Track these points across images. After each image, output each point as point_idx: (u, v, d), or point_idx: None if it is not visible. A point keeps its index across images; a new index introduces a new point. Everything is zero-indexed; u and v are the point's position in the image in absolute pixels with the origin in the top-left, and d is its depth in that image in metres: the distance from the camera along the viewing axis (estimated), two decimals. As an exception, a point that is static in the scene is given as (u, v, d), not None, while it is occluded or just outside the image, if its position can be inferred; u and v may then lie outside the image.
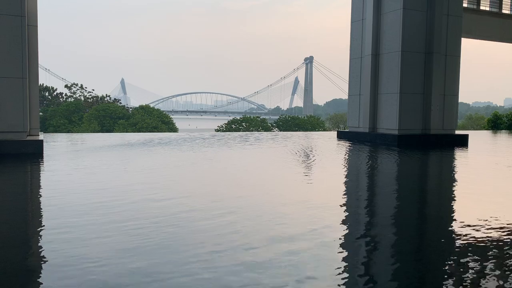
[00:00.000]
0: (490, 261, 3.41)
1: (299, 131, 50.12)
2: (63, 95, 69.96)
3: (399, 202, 5.95)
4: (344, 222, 4.68)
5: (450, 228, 4.56)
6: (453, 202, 6.16)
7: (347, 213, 5.12)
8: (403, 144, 14.08)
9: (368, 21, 15.47)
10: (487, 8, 23.33)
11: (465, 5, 21.15)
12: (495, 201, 6.04)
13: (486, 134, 24.27)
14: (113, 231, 4.03)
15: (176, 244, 3.67)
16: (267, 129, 57.61)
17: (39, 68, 11.67)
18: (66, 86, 70.48)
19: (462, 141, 15.10)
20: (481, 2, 23.00)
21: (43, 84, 72.20)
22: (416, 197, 6.57)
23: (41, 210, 5.06)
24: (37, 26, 11.12)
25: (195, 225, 4.35)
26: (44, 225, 4.32)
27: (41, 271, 3.10)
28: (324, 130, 58.80)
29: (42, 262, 3.25)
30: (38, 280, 2.96)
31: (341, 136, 17.38)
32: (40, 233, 4.04)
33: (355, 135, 16.25)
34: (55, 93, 70.54)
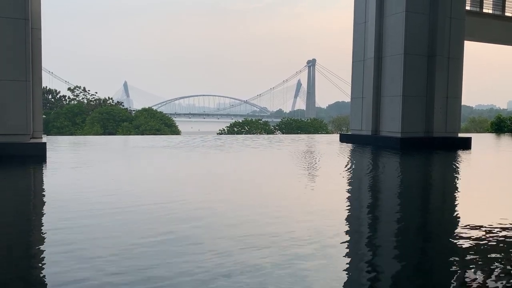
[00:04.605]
0: (495, 263, 3.40)
1: (302, 133, 50.09)
2: (66, 97, 70.06)
3: (405, 204, 5.93)
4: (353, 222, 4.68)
5: (457, 230, 4.54)
6: (460, 204, 6.14)
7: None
8: (406, 147, 14.04)
9: (371, 23, 15.46)
10: (490, 11, 23.30)
11: (467, 7, 21.12)
12: (501, 203, 6.01)
13: (489, 137, 24.19)
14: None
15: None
16: (269, 132, 57.47)
17: (43, 71, 11.69)
18: (69, 89, 70.44)
19: (465, 144, 15.05)
20: (484, 5, 22.98)
21: (46, 87, 72.33)
22: (423, 200, 6.54)
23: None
24: (40, 29, 11.15)
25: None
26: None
27: (45, 275, 3.10)
28: (327, 133, 58.69)
29: (46, 266, 3.26)
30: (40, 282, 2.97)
31: (343, 139, 17.35)
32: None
33: (358, 138, 16.22)
34: (58, 96, 70.71)
